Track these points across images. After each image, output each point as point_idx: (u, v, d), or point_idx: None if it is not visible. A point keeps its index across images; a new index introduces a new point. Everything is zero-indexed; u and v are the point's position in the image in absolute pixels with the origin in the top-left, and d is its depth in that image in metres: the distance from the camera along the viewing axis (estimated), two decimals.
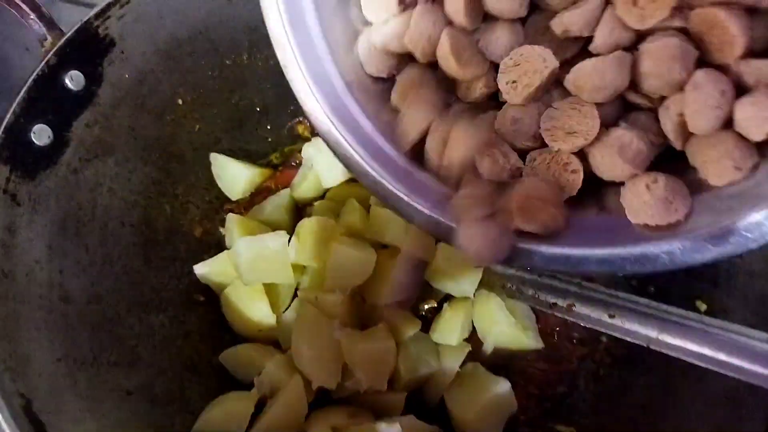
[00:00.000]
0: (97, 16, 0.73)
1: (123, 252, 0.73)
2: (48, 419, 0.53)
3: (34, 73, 0.68)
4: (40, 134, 0.68)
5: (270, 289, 0.73)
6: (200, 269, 0.76)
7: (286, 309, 0.74)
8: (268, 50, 0.87)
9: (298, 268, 0.74)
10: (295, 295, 0.75)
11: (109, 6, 0.73)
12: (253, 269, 0.70)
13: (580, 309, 0.65)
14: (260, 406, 0.66)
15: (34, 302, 0.61)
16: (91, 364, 0.62)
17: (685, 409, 0.62)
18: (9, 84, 0.99)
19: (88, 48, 0.72)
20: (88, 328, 0.65)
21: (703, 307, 0.69)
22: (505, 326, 0.70)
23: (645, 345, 0.60)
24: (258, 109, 0.91)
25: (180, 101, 0.83)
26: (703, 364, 0.56)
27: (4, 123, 0.65)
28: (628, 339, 0.64)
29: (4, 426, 0.49)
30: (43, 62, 0.69)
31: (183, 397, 0.67)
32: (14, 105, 0.66)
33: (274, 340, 0.73)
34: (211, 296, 0.77)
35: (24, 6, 0.71)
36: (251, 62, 0.89)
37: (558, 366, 0.75)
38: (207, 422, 0.63)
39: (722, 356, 0.55)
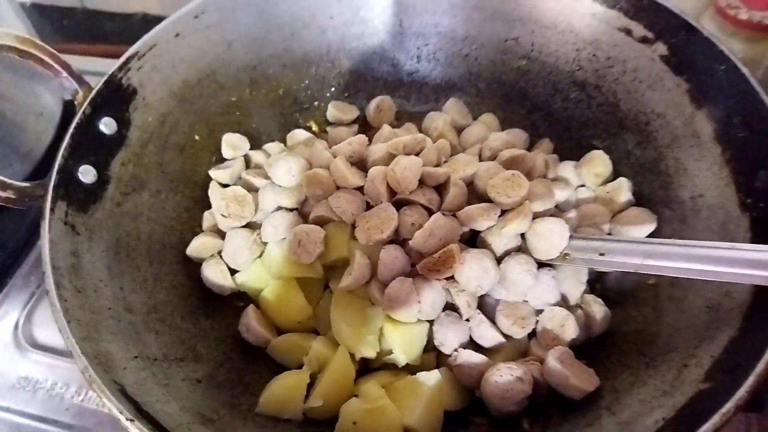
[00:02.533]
0: (119, 68, 0.84)
1: (168, 270, 0.82)
2: (141, 400, 0.60)
3: (74, 122, 0.78)
4: (86, 174, 0.77)
5: (302, 285, 0.82)
6: (239, 278, 0.84)
7: (319, 302, 0.82)
8: (267, 85, 1.00)
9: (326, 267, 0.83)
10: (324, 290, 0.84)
11: (128, 60, 0.84)
12: (285, 264, 0.80)
13: (574, 254, 0.76)
14: (310, 385, 0.74)
15: (105, 313, 0.69)
16: (162, 361, 0.69)
17: (675, 325, 0.72)
18: (27, 147, 1.09)
19: (115, 97, 0.83)
20: (153, 332, 0.73)
21: None
22: None
23: (634, 271, 0.70)
24: (264, 137, 1.01)
25: (197, 137, 0.94)
26: (687, 276, 0.66)
27: (56, 166, 0.75)
28: (619, 269, 0.76)
29: (110, 405, 0.57)
30: (80, 112, 0.79)
31: (243, 383, 0.75)
32: (62, 150, 0.76)
33: (313, 330, 0.81)
34: (249, 301, 0.85)
35: (57, 66, 0.81)
36: (253, 96, 1.00)
37: None
38: (270, 397, 0.71)
39: (706, 267, 0.64)
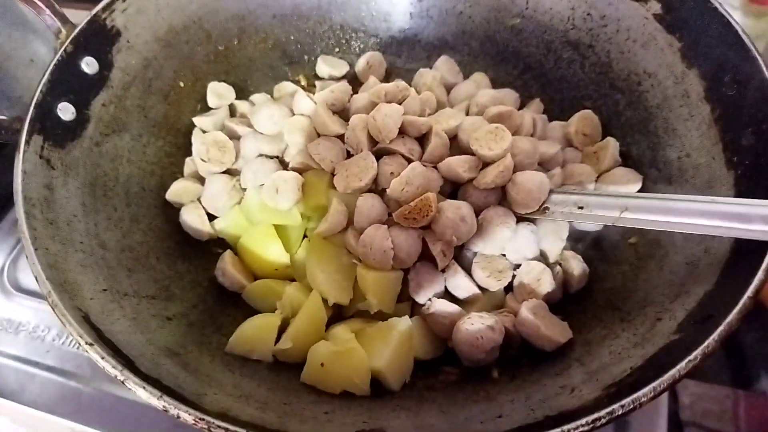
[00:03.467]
0: (103, 9, 0.83)
1: (146, 213, 0.82)
2: (104, 328, 0.60)
3: (55, 59, 0.77)
4: (65, 110, 0.77)
5: (281, 233, 0.81)
6: (218, 224, 0.84)
7: (297, 250, 0.82)
8: (256, 36, 0.99)
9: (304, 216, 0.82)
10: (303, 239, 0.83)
11: (113, 0, 0.83)
12: (263, 210, 0.79)
13: (554, 208, 0.75)
14: (282, 330, 0.74)
15: (77, 246, 0.69)
16: (132, 296, 0.69)
17: (652, 281, 0.71)
18: (18, 94, 1.08)
19: (98, 37, 0.82)
20: (125, 269, 0.72)
21: None
22: None
23: (613, 224, 0.69)
24: (251, 89, 1.00)
25: (181, 83, 0.93)
26: (665, 229, 0.65)
27: (34, 100, 0.74)
28: (596, 222, 0.75)
29: (70, 329, 0.56)
30: (61, 50, 0.78)
31: (216, 323, 0.74)
32: (40, 85, 0.75)
33: (290, 278, 0.81)
34: (227, 248, 0.84)
35: (40, 3, 0.80)
36: (241, 47, 0.99)
37: None
38: (240, 336, 0.71)
39: (685, 220, 0.63)
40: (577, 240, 0.83)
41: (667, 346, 0.58)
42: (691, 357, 0.53)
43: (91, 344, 0.55)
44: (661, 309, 0.65)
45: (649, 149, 0.83)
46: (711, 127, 0.75)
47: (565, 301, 0.77)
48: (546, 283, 0.74)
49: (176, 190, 0.84)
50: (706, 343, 0.53)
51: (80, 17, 0.81)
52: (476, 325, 0.68)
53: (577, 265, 0.77)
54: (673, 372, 0.52)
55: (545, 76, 0.98)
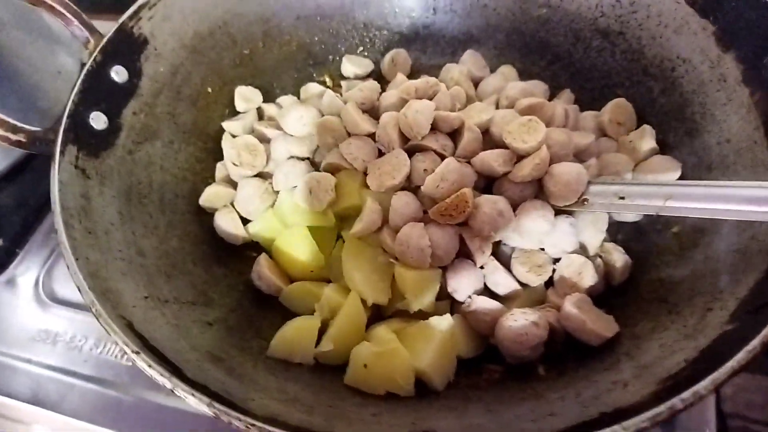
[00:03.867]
0: (130, 17, 0.83)
1: (181, 219, 0.82)
2: (149, 335, 0.59)
3: (85, 69, 0.77)
4: (97, 120, 0.77)
5: (315, 234, 0.80)
6: (252, 228, 0.84)
7: (332, 251, 0.81)
8: (280, 38, 0.98)
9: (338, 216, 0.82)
10: (337, 240, 0.83)
11: (139, 8, 0.83)
12: (297, 212, 0.79)
13: (593, 199, 0.73)
14: (322, 332, 0.73)
15: (116, 254, 0.69)
16: (173, 303, 0.69)
17: (699, 271, 0.69)
18: (46, 106, 1.09)
19: (125, 46, 0.82)
20: (164, 276, 0.72)
21: None
22: None
23: (656, 214, 0.67)
24: (278, 91, 1.00)
25: (209, 89, 0.93)
26: (710, 216, 0.63)
27: (66, 110, 0.74)
28: (639, 212, 0.73)
29: (116, 338, 0.56)
30: (91, 60, 0.78)
31: (254, 327, 0.74)
32: (72, 95, 0.75)
33: (326, 279, 0.80)
34: (262, 251, 0.84)
35: (68, 14, 0.80)
36: (266, 50, 0.99)
37: None
38: (281, 340, 0.70)
39: (730, 206, 0.61)
40: (617, 231, 0.81)
41: (722, 337, 0.57)
42: (749, 347, 0.51)
43: (137, 352, 0.55)
44: (710, 299, 0.63)
45: (686, 136, 0.82)
46: (750, 111, 0.73)
47: (608, 294, 0.76)
48: (588, 277, 0.72)
49: (209, 196, 0.84)
50: (764, 332, 0.52)
51: (106, 27, 0.81)
52: (520, 321, 0.67)
53: (618, 257, 0.76)
54: (732, 363, 0.51)
55: (574, 66, 0.97)
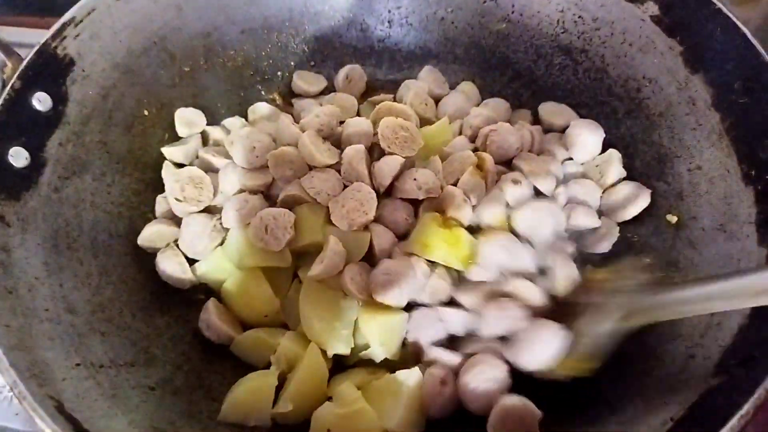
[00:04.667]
0: (53, 36, 0.74)
1: (117, 262, 0.74)
2: (81, 417, 0.52)
3: (1, 98, 0.68)
4: (17, 157, 0.68)
5: (268, 275, 0.74)
6: (199, 269, 0.76)
7: (287, 292, 0.75)
8: (224, 53, 0.91)
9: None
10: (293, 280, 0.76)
11: (63, 26, 0.75)
12: (250, 252, 0.72)
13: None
14: (279, 387, 0.67)
15: (42, 315, 0.61)
16: (109, 367, 0.62)
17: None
18: None
19: (49, 69, 0.73)
20: (98, 335, 0.64)
21: (674, 219, 0.74)
22: None
23: None
24: (223, 111, 0.92)
25: (146, 112, 0.84)
26: None
27: None
28: None
29: (43, 425, 0.49)
30: (8, 87, 0.69)
31: (204, 386, 0.67)
32: None
33: (281, 324, 0.74)
34: (210, 293, 0.77)
35: None
36: (209, 66, 0.91)
37: None
38: (233, 402, 0.64)
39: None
40: (585, 262, 0.78)
41: (709, 393, 0.54)
42: (743, 411, 0.48)
43: None
44: (691, 344, 0.61)
45: (655, 161, 0.79)
46: (722, 138, 0.71)
47: None
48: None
49: (149, 235, 0.76)
50: (756, 394, 0.49)
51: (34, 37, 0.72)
52: (481, 385, 0.62)
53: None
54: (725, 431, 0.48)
55: (536, 83, 0.93)
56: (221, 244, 0.77)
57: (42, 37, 0.73)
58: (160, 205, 0.81)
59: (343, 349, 0.67)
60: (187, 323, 0.74)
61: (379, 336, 0.66)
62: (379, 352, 0.66)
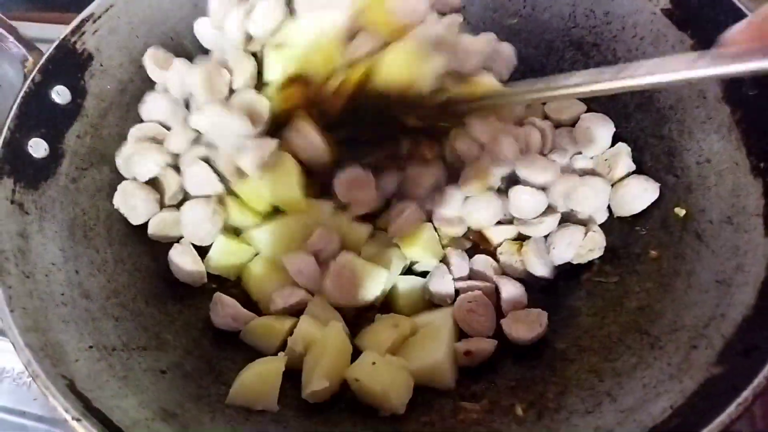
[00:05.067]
0: (72, 32, 0.76)
1: (132, 251, 0.76)
2: (92, 395, 0.54)
3: (22, 91, 0.71)
4: (37, 147, 0.71)
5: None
6: (210, 262, 0.77)
7: None
8: None
9: None
10: None
11: (83, 22, 0.77)
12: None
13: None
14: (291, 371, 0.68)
15: (57, 299, 0.63)
16: (122, 350, 0.63)
17: (681, 301, 0.66)
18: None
19: (68, 63, 0.76)
20: (112, 319, 0.66)
21: (682, 212, 0.74)
22: None
23: None
24: None
25: None
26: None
27: (1, 139, 0.67)
28: None
29: (55, 402, 0.51)
30: (29, 80, 0.72)
31: (214, 371, 0.69)
32: (8, 121, 0.69)
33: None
34: (222, 282, 0.78)
35: (2, 30, 0.74)
36: None
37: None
38: (241, 386, 0.65)
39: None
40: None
41: (709, 381, 0.54)
42: (740, 399, 0.48)
43: (78, 419, 0.50)
44: (695, 334, 0.60)
45: (664, 154, 0.79)
46: (732, 130, 0.71)
47: (587, 322, 0.72)
48: None
49: (156, 225, 0.77)
50: (755, 382, 0.49)
51: (55, 32, 0.75)
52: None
53: None
54: (723, 417, 0.48)
55: None
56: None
57: (62, 33, 0.75)
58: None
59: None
60: (199, 310, 0.76)
61: (423, 246, 0.73)
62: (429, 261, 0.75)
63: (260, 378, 0.66)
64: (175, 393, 0.62)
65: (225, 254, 0.77)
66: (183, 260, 0.75)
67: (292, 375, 0.67)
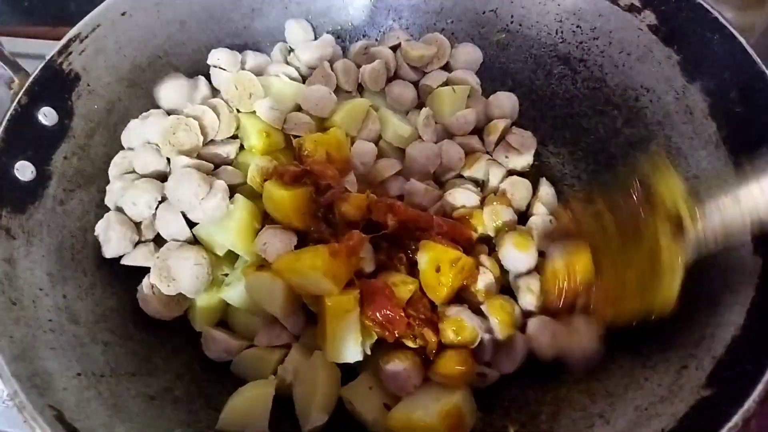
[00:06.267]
0: (59, 52, 0.75)
1: (120, 273, 0.75)
2: (80, 425, 0.54)
3: (8, 114, 0.70)
4: (23, 170, 0.70)
5: None
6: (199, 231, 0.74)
7: None
8: None
9: None
10: None
11: (69, 42, 0.76)
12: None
13: None
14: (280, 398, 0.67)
15: (45, 325, 0.62)
16: (110, 376, 0.63)
17: (669, 322, 0.65)
18: None
19: (55, 84, 0.75)
20: (100, 344, 0.66)
21: None
22: None
23: None
24: None
25: None
26: None
27: None
28: None
29: None
30: (15, 102, 0.71)
31: (204, 396, 0.68)
32: None
33: None
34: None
35: None
36: None
37: None
38: (231, 412, 0.65)
39: None
40: None
41: (700, 404, 0.54)
42: (731, 423, 0.48)
43: None
44: (684, 355, 0.61)
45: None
46: (719, 147, 0.71)
47: None
48: None
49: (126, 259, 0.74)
50: (745, 406, 0.49)
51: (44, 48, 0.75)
52: None
53: None
54: None
55: (536, 93, 0.93)
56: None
57: (50, 50, 0.75)
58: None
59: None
60: (188, 335, 0.75)
61: None
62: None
63: (251, 402, 0.65)
64: (165, 419, 0.62)
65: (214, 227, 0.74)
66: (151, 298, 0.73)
67: (281, 399, 0.67)
